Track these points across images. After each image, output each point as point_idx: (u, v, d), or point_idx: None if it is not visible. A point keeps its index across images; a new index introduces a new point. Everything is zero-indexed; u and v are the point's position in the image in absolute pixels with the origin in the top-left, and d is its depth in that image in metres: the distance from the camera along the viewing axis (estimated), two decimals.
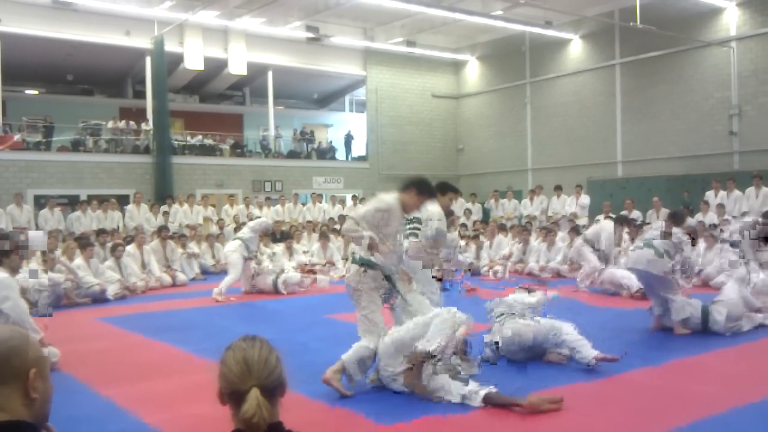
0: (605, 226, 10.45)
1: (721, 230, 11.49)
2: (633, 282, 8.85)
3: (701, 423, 3.91)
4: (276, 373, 1.78)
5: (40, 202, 16.42)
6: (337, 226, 15.83)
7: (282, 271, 10.86)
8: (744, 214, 12.65)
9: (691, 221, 8.78)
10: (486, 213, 18.02)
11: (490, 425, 3.94)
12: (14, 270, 5.84)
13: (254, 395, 1.71)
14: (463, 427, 3.92)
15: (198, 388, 4.75)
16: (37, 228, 14.35)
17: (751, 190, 13.71)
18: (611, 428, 3.91)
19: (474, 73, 24.25)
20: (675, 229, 6.77)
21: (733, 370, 5.22)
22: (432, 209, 5.60)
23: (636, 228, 11.87)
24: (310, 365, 5.31)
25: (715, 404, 4.25)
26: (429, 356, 4.28)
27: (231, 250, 10.42)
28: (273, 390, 1.77)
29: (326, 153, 23.81)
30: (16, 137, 17.91)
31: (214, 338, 5.88)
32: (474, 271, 12.36)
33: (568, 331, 5.27)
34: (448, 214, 6.23)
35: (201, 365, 5.58)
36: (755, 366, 5.38)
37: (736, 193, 13.97)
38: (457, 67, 24.75)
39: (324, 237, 13.65)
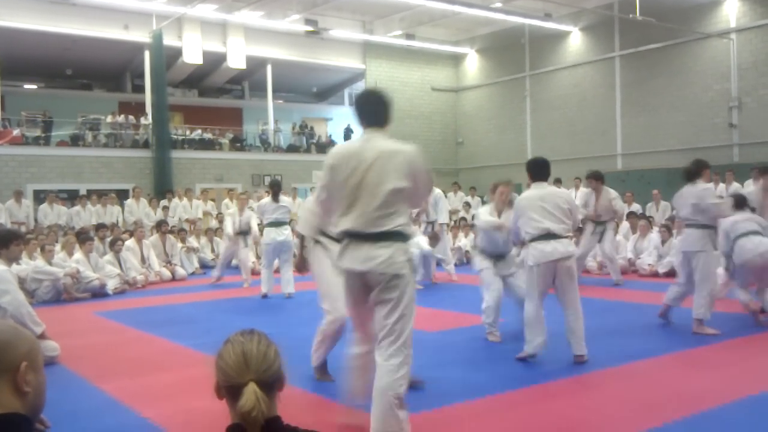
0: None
1: None
2: None
3: (698, 416, 3.91)
4: (274, 367, 1.78)
5: (39, 197, 16.42)
6: None
7: None
8: None
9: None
10: None
11: (489, 418, 3.95)
12: (13, 261, 5.84)
13: (252, 389, 1.70)
14: (462, 421, 3.92)
15: (197, 383, 4.76)
16: (36, 223, 14.36)
17: (750, 183, 13.68)
18: (607, 421, 3.91)
19: (473, 65, 24.20)
20: None
21: (730, 363, 5.22)
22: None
23: (637, 218, 11.89)
24: (310, 360, 5.32)
25: (712, 398, 4.25)
26: None
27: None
28: (271, 384, 1.76)
29: (326, 147, 23.79)
30: (15, 132, 17.90)
31: (214, 333, 5.89)
32: (469, 259, 12.42)
33: None
34: None
35: (200, 360, 5.58)
36: (753, 360, 5.38)
37: (735, 185, 13.93)
38: (456, 60, 24.70)
39: None
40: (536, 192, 5.24)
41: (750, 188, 8.00)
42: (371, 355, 3.55)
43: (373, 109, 3.56)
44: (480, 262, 6.34)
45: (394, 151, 3.41)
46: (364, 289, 3.45)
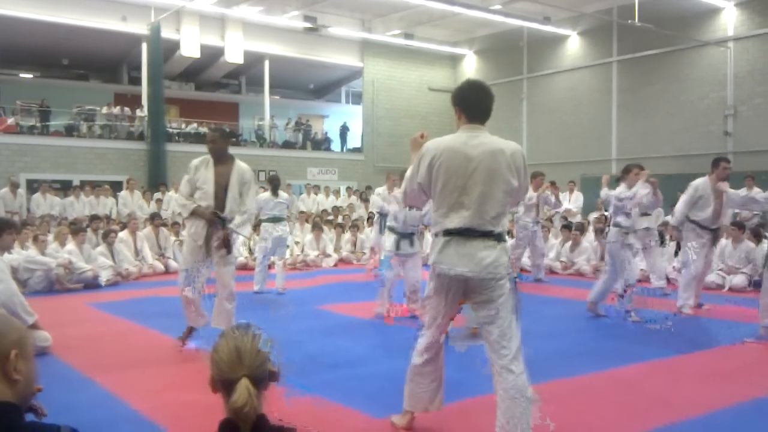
0: None
1: None
2: None
3: (687, 422, 3.93)
4: (268, 363, 1.78)
5: (32, 187, 16.35)
6: (331, 217, 15.83)
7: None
8: (735, 214, 12.68)
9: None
10: None
11: (477, 417, 3.96)
12: (5, 250, 5.83)
13: (244, 385, 1.71)
14: (452, 420, 3.93)
15: (188, 376, 4.76)
16: (29, 212, 14.29)
17: (743, 191, 13.74)
18: (595, 425, 3.93)
19: (471, 67, 24.21)
20: None
21: (719, 370, 5.25)
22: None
23: None
24: (302, 356, 5.33)
25: (700, 404, 4.27)
26: None
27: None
28: (263, 380, 1.77)
29: (321, 144, 23.79)
30: (10, 120, 17.83)
31: (206, 327, 5.88)
32: None
33: None
34: None
35: (192, 353, 5.59)
36: (742, 367, 5.41)
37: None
38: (454, 60, 24.70)
39: (317, 228, 13.64)
40: None
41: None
42: (434, 363, 3.59)
43: (485, 104, 3.43)
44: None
45: (502, 149, 3.35)
46: (461, 288, 3.37)
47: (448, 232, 3.32)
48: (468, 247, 3.27)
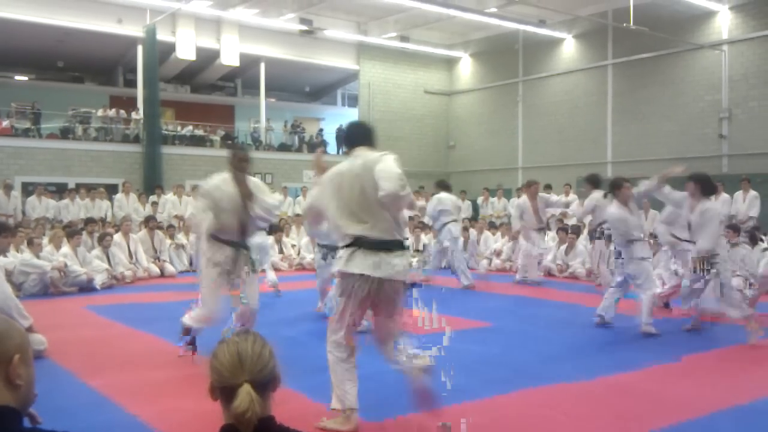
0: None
1: None
2: None
3: (684, 425, 3.93)
4: (269, 368, 1.77)
5: (27, 190, 16.29)
6: None
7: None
8: (731, 217, 12.73)
9: None
10: (476, 210, 18.06)
11: (476, 421, 3.95)
12: (1, 253, 5.80)
13: (246, 390, 1.69)
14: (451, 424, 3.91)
15: (185, 381, 4.74)
16: (24, 215, 14.23)
17: (739, 194, 13.80)
18: (593, 429, 3.92)
19: (467, 70, 24.25)
20: None
21: (716, 373, 5.26)
22: None
23: None
24: (299, 359, 5.31)
25: (698, 407, 4.28)
26: None
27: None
28: (265, 385, 1.76)
29: (317, 147, 23.78)
30: (5, 123, 17.78)
31: (203, 332, 5.85)
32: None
33: None
34: None
35: (188, 359, 5.56)
36: (739, 370, 5.42)
37: (724, 196, 13.99)
38: (450, 63, 24.74)
39: None
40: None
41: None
42: (353, 357, 3.90)
43: (363, 133, 4.05)
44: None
45: (375, 161, 3.76)
46: (371, 292, 3.75)
47: (353, 243, 3.74)
48: (376, 256, 3.69)
